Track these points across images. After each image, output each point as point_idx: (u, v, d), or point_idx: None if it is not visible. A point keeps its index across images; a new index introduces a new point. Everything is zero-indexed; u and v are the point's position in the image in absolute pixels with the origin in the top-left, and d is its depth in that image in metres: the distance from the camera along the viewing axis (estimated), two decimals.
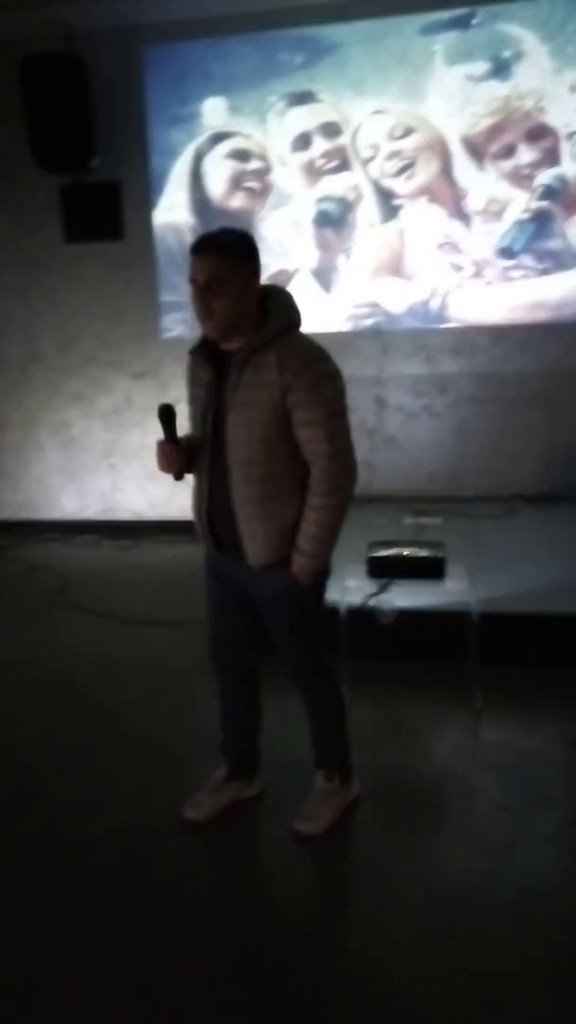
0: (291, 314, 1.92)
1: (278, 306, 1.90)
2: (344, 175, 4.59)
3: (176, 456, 2.00)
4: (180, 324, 4.88)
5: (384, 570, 2.88)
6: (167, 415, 2.01)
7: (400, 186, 4.54)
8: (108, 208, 4.82)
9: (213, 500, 1.99)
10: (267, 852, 2.22)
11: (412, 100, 4.41)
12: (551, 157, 4.33)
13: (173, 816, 2.28)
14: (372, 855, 2.15)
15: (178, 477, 2.05)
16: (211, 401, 1.95)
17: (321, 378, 1.85)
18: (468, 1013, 1.66)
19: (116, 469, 5.17)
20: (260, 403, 1.85)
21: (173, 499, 4.46)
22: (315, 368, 1.85)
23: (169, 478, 2.06)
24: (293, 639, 2.10)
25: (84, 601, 3.95)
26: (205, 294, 1.82)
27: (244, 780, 2.36)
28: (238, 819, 2.30)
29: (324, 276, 4.71)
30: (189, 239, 4.83)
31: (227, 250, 1.82)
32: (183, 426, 2.07)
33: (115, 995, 1.73)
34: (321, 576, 2.03)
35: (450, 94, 4.37)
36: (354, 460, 1.94)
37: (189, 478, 2.09)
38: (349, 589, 2.85)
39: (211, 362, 1.94)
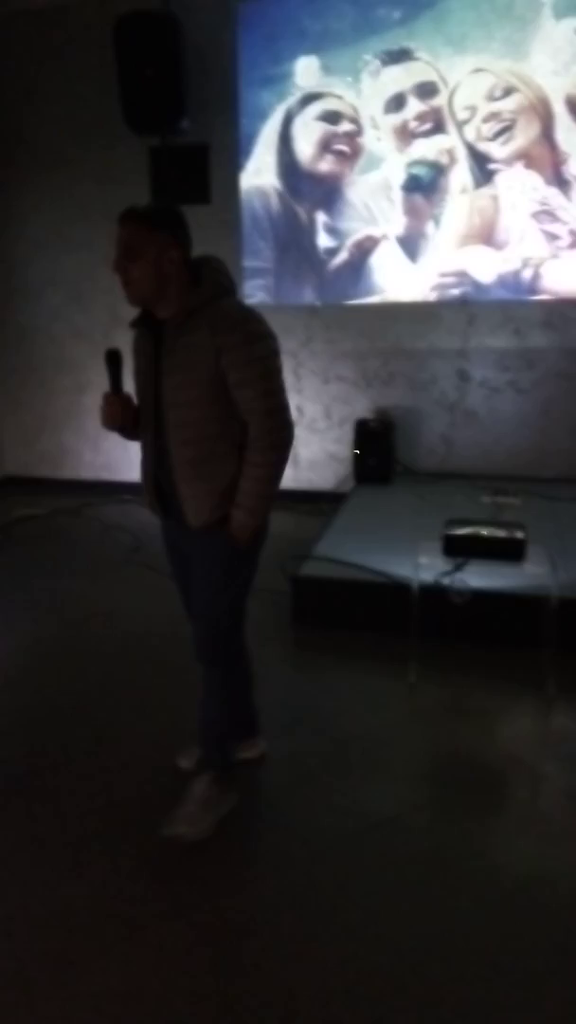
0: (222, 280, 1.97)
1: (210, 271, 1.96)
2: (438, 138, 4.42)
3: (119, 409, 2.02)
4: (261, 290, 4.85)
5: (461, 549, 2.80)
6: (114, 360, 2.03)
7: (496, 150, 4.35)
8: (196, 171, 4.80)
9: (158, 465, 2.03)
10: (324, 826, 2.23)
11: (515, 57, 4.19)
12: None
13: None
14: (432, 837, 2.12)
15: (125, 434, 2.08)
16: (150, 368, 1.99)
17: (253, 338, 1.89)
18: (512, 1010, 1.64)
19: None
20: (195, 366, 1.89)
21: None
22: (246, 328, 1.89)
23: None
24: (216, 600, 2.06)
25: (156, 563, 4.01)
26: (122, 260, 1.92)
27: (243, 740, 2.37)
28: (301, 794, 2.32)
29: (411, 243, 4.58)
30: (276, 203, 4.79)
31: (143, 219, 1.90)
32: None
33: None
34: (257, 539, 2.05)
35: (557, 50, 4.13)
36: (290, 417, 1.96)
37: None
38: (422, 566, 2.80)
39: (151, 331, 1.99)
